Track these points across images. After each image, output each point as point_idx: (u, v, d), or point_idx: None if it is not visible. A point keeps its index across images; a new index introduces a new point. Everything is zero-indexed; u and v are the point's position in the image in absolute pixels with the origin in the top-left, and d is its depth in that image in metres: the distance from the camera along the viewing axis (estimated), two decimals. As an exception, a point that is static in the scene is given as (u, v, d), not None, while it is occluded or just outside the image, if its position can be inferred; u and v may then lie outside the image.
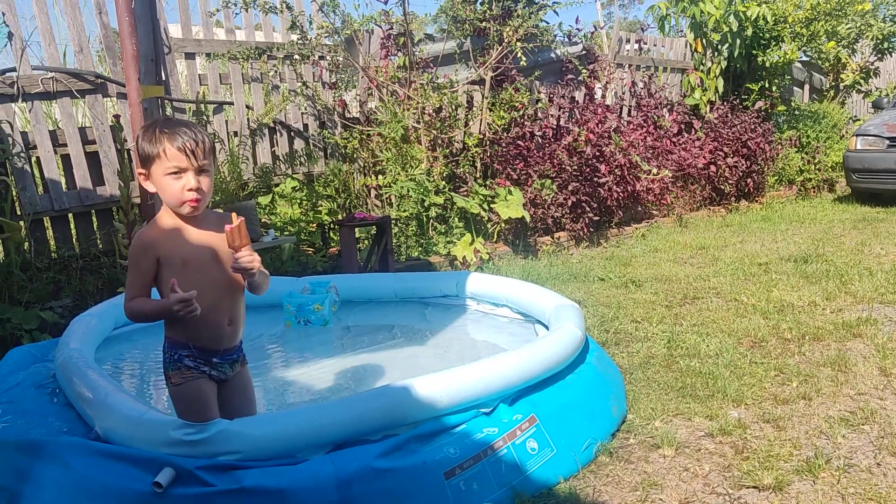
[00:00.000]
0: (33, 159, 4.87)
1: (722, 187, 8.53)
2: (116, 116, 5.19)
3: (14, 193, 4.64)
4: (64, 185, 5.01)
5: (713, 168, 8.30)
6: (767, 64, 9.39)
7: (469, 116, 6.88)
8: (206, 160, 2.05)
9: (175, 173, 2.01)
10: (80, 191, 4.98)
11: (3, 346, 3.49)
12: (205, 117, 5.64)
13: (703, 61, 9.44)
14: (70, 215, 5.00)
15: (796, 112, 10.29)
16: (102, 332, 3.34)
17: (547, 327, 3.32)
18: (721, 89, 9.28)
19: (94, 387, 2.42)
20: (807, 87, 11.65)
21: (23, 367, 2.96)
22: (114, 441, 2.22)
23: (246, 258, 2.04)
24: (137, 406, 2.30)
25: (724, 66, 9.26)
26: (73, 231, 5.05)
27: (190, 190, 2.03)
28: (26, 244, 4.51)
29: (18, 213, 4.66)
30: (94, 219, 5.13)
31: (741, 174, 8.58)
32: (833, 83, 11.81)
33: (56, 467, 2.12)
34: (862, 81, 11.71)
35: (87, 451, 2.14)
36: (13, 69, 4.72)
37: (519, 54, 6.34)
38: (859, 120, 11.75)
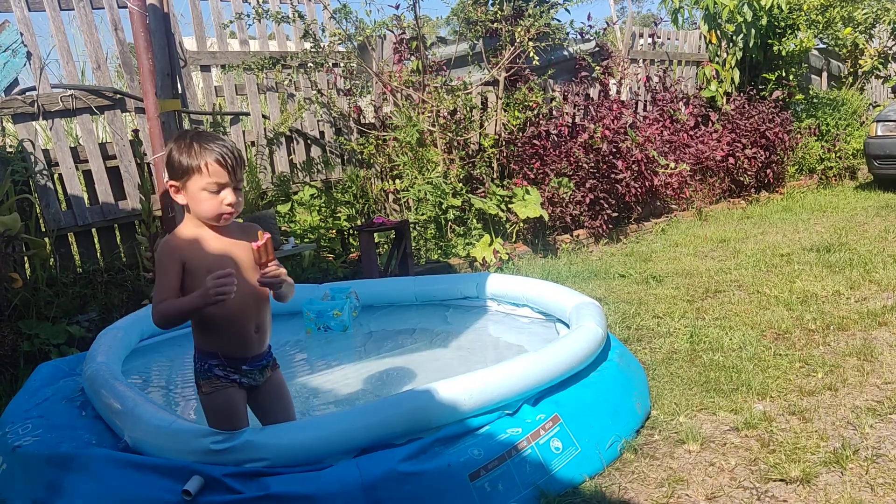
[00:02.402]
0: (56, 176, 4.96)
1: (741, 179, 8.46)
2: (135, 131, 5.26)
3: (38, 210, 4.72)
4: (86, 201, 5.09)
5: (732, 160, 8.23)
6: (784, 53, 9.29)
7: (484, 117, 6.89)
8: (241, 177, 2.09)
9: (213, 189, 2.03)
10: (102, 205, 5.05)
11: (32, 362, 3.56)
12: (222, 128, 5.70)
13: (718, 53, 9.37)
14: (94, 230, 5.08)
15: (815, 100, 10.17)
16: (129, 345, 3.39)
17: (568, 326, 3.32)
18: (737, 80, 9.21)
19: (123, 398, 2.46)
20: (824, 74, 11.52)
21: (52, 381, 3.02)
22: (143, 451, 2.26)
23: (273, 272, 2.06)
24: (166, 416, 2.33)
25: (739, 57, 9.19)
26: (97, 245, 5.13)
27: (228, 204, 2.06)
28: (51, 260, 4.58)
29: (43, 229, 4.74)
30: (117, 233, 5.21)
31: (760, 165, 8.50)
32: (851, 69, 11.66)
33: (87, 479, 2.16)
34: (880, 67, 11.56)
35: (117, 462, 2.18)
36: (33, 88, 4.80)
37: (531, 54, 6.34)
38: (879, 105, 11.60)
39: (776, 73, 9.38)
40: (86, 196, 5.13)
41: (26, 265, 4.57)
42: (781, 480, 2.40)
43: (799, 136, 9.22)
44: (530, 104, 6.80)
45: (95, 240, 5.12)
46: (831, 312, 4.11)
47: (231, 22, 5.84)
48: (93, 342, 3.17)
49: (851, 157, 9.81)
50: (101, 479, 2.14)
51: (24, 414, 2.65)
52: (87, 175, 5.12)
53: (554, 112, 7.31)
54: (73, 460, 2.21)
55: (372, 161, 6.44)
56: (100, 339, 3.19)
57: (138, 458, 2.20)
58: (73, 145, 5.11)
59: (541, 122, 6.93)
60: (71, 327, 4.04)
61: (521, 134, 6.77)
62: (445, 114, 6.35)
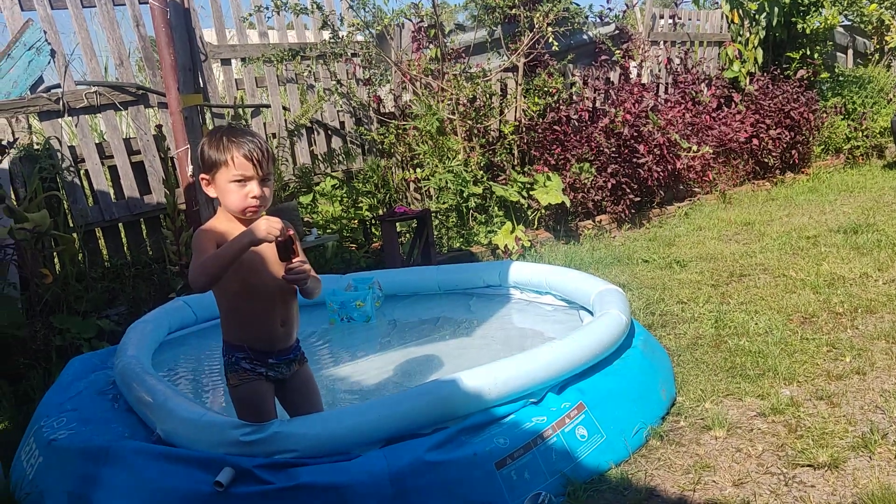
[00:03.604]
0: (82, 172, 5.03)
1: (766, 160, 8.35)
2: (159, 126, 5.31)
3: (66, 207, 4.80)
4: (112, 196, 5.15)
5: (756, 141, 8.13)
6: (808, 31, 9.12)
7: (503, 104, 6.86)
8: (269, 169, 2.13)
9: (240, 181, 2.09)
10: (128, 200, 5.12)
11: (65, 356, 3.63)
12: (243, 121, 5.73)
13: (741, 32, 9.22)
14: (120, 225, 5.15)
15: (840, 78, 9.98)
16: (157, 338, 3.44)
17: (592, 313, 3.31)
18: (760, 60, 9.06)
19: (154, 391, 2.51)
20: (850, 51, 11.30)
21: (84, 375, 3.07)
22: (175, 443, 2.30)
23: (298, 268, 2.09)
24: (196, 409, 2.38)
25: (762, 36, 9.03)
26: (124, 240, 5.20)
27: (254, 197, 2.10)
28: (80, 255, 4.66)
29: (71, 225, 4.82)
30: (143, 227, 5.28)
31: (785, 146, 8.38)
32: (877, 46, 11.41)
33: (121, 471, 2.21)
34: (908, 42, 11.30)
35: (151, 454, 2.22)
36: (58, 86, 4.86)
37: (550, 39, 6.30)
38: (907, 82, 11.35)
39: (800, 52, 9.22)
40: (112, 191, 5.20)
41: (56, 261, 4.65)
42: (809, 466, 2.40)
43: (824, 115, 9.07)
44: (550, 90, 6.76)
45: (122, 234, 5.20)
46: (859, 295, 4.06)
47: (250, 15, 5.87)
48: (123, 336, 3.23)
49: (879, 136, 9.62)
50: (134, 470, 2.19)
51: (59, 407, 2.71)
52: (113, 171, 5.19)
53: (574, 97, 7.26)
54: (107, 453, 2.26)
55: (392, 150, 6.45)
56: (129, 332, 3.25)
57: (171, 450, 2.25)
58: (98, 141, 5.18)
59: (561, 107, 6.89)
60: (101, 321, 4.11)
61: (541, 120, 6.74)
62: (465, 101, 6.33)
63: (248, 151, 2.08)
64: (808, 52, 9.29)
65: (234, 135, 2.11)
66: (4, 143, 4.32)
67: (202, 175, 2.17)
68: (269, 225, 2.00)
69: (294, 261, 2.09)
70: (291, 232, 2.08)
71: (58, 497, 2.30)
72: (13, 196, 4.50)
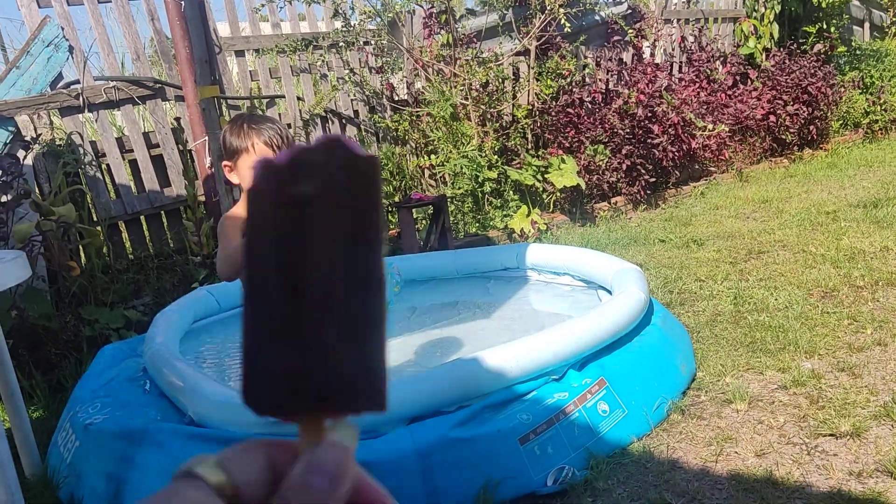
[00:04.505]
0: (103, 167, 5.10)
1: (783, 137, 8.29)
2: (177, 119, 5.38)
3: (89, 200, 4.88)
4: (134, 189, 5.23)
5: (772, 118, 8.06)
6: (823, 4, 9.02)
7: (516, 88, 6.86)
8: None
9: None
10: (148, 193, 5.20)
11: (94, 346, 3.71)
12: (259, 112, 5.79)
13: (756, 7, 9.14)
14: (142, 217, 5.23)
15: (857, 52, 9.88)
16: (183, 327, 3.51)
17: (610, 292, 3.34)
18: (776, 35, 8.97)
19: (184, 376, 2.57)
20: (867, 24, 11.16)
21: (115, 363, 3.15)
22: (207, 425, 2.37)
23: None
24: (227, 390, 2.44)
25: (778, 11, 8.95)
26: (146, 232, 5.28)
27: None
28: (105, 248, 4.74)
29: (95, 219, 4.90)
30: (164, 219, 5.35)
31: (803, 122, 8.31)
32: (894, 19, 11.27)
33: (157, 452, 2.28)
34: (926, 14, 11.15)
35: (185, 435, 2.29)
36: (76, 81, 4.93)
37: (562, 21, 6.28)
38: (926, 54, 11.20)
39: (817, 26, 9.12)
40: (133, 185, 5.28)
41: (82, 254, 4.74)
42: (831, 435, 2.42)
43: (842, 89, 8.97)
44: (563, 72, 6.75)
45: (144, 227, 5.28)
46: (879, 268, 4.06)
47: (262, 6, 5.91)
48: (150, 325, 3.30)
49: (897, 110, 9.53)
50: (170, 451, 2.26)
51: (92, 394, 2.78)
52: (133, 164, 5.27)
53: (587, 79, 7.24)
54: (143, 435, 2.33)
55: (406, 138, 6.47)
56: (156, 321, 3.32)
57: (204, 430, 2.31)
58: (117, 136, 5.25)
59: (574, 89, 6.88)
60: (128, 311, 4.19)
61: (554, 103, 6.73)
62: (478, 86, 6.34)
63: (269, 138, 2.13)
64: (825, 26, 9.20)
65: (255, 122, 2.17)
66: (28, 139, 4.39)
67: (224, 162, 2.22)
68: None
69: None
70: None
71: (95, 479, 2.37)
72: (38, 191, 4.59)
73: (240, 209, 2.25)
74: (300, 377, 0.32)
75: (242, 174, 2.18)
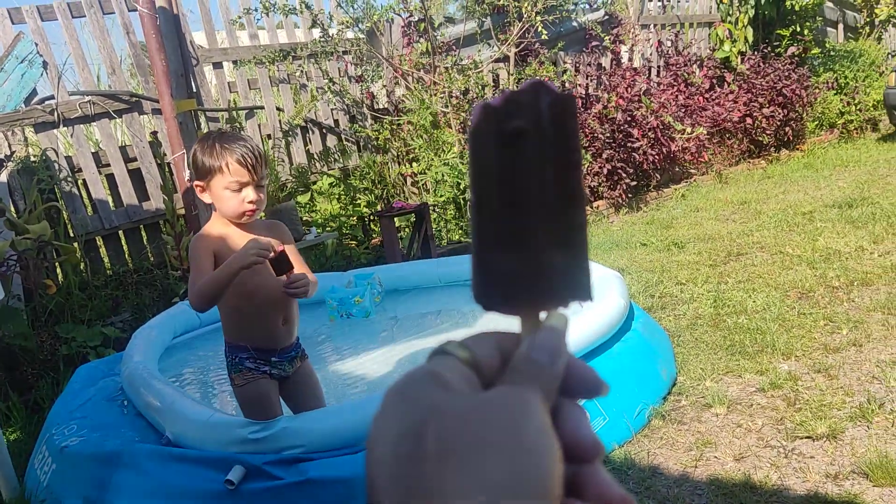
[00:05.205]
0: (80, 182, 5.06)
1: (760, 139, 8.37)
2: (154, 133, 5.35)
3: (66, 217, 4.84)
4: (111, 204, 5.19)
5: (749, 120, 8.15)
6: (797, 7, 9.13)
7: (496, 95, 6.88)
8: (263, 173, 2.14)
9: (236, 187, 2.10)
10: (127, 208, 5.16)
11: (71, 365, 3.67)
12: (238, 124, 5.76)
13: (730, 12, 9.22)
14: (120, 232, 5.19)
15: (831, 53, 9.99)
16: (163, 343, 3.49)
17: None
18: (751, 39, 9.06)
19: (162, 395, 2.55)
20: (840, 26, 11.30)
21: (92, 382, 3.12)
22: (185, 445, 2.35)
23: (297, 284, 2.09)
24: (204, 410, 2.42)
25: (752, 15, 9.03)
26: (125, 247, 5.24)
27: (250, 202, 2.11)
28: (82, 264, 4.70)
29: (72, 235, 4.85)
30: (143, 233, 5.31)
31: (779, 123, 8.40)
32: (867, 19, 11.42)
33: (134, 474, 2.26)
34: (898, 14, 11.30)
35: (162, 456, 2.27)
36: (51, 97, 4.89)
37: (540, 28, 6.32)
38: (899, 54, 11.35)
39: (790, 29, 9.23)
40: (110, 199, 5.24)
41: (58, 271, 4.69)
42: (808, 437, 2.44)
43: (817, 91, 9.08)
44: (542, 79, 6.78)
45: (123, 242, 5.24)
46: (854, 268, 4.10)
47: (240, 17, 5.89)
48: (128, 342, 3.27)
49: (872, 109, 9.64)
50: (147, 473, 2.24)
51: (69, 415, 2.76)
52: (111, 179, 5.23)
53: (566, 84, 7.28)
54: (119, 457, 2.30)
55: (388, 146, 6.48)
56: (135, 338, 3.29)
57: (182, 451, 2.29)
58: (94, 150, 5.21)
59: (553, 95, 6.90)
60: (106, 329, 4.15)
61: (534, 109, 6.75)
62: (458, 94, 6.36)
63: (242, 157, 2.08)
64: (798, 29, 9.30)
65: (227, 141, 2.11)
66: (2, 156, 4.35)
67: (196, 182, 2.17)
68: (257, 247, 1.99)
69: (290, 274, 2.08)
70: (282, 248, 2.07)
71: (73, 502, 2.34)
72: (13, 209, 4.54)
73: (211, 228, 2.21)
74: (521, 276, 0.38)
75: (216, 194, 2.13)
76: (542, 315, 0.39)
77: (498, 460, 0.30)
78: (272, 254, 2.02)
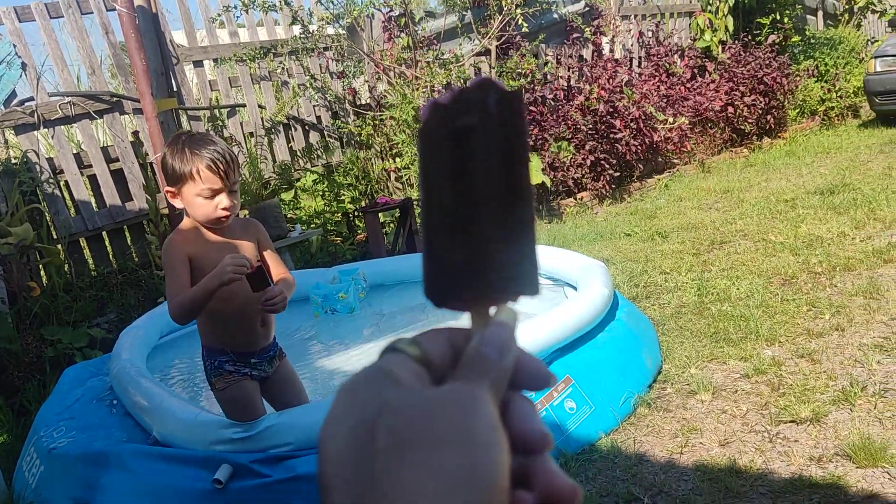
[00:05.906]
0: (62, 183, 5.02)
1: (742, 127, 8.43)
2: (135, 133, 5.31)
3: (48, 218, 4.80)
4: (94, 205, 5.15)
5: (731, 109, 8.20)
6: (776, -5, 9.20)
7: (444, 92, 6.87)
8: (235, 177, 2.07)
9: (208, 195, 2.03)
10: (110, 208, 5.12)
11: (58, 367, 3.66)
12: (220, 122, 5.74)
13: (710, 1, 9.27)
14: (104, 233, 5.16)
15: (811, 41, 10.07)
16: (150, 342, 3.47)
17: (575, 289, 3.37)
18: (731, 28, 9.12)
19: (150, 395, 2.55)
20: (820, 13, 11.39)
21: (80, 383, 3.11)
22: (172, 444, 2.35)
23: (275, 300, 2.04)
24: (191, 409, 2.42)
25: (732, 4, 9.09)
26: (109, 248, 5.21)
27: (223, 209, 2.05)
28: (66, 266, 4.67)
29: (55, 236, 4.82)
30: (127, 234, 5.28)
31: (760, 112, 8.46)
32: (847, 6, 11.51)
33: (122, 474, 2.26)
34: (876, 1, 11.39)
35: (150, 456, 2.27)
36: (31, 98, 4.85)
37: (520, 21, 6.32)
38: (877, 41, 11.45)
39: (770, 17, 9.29)
40: (93, 200, 5.20)
41: (42, 273, 4.66)
42: (792, 422, 2.47)
43: (798, 78, 9.15)
44: (524, 71, 6.79)
45: (107, 242, 5.20)
46: (837, 254, 4.15)
47: (220, 15, 5.86)
48: (115, 342, 3.26)
49: (853, 96, 9.73)
50: (135, 473, 2.23)
51: (57, 417, 2.75)
52: (93, 179, 5.19)
53: (548, 77, 7.30)
54: (107, 457, 2.30)
55: (370, 142, 6.47)
56: (122, 338, 3.28)
57: (169, 450, 2.29)
58: (75, 151, 5.17)
59: (535, 87, 6.93)
60: (91, 330, 4.13)
61: (517, 101, 6.76)
62: (440, 88, 6.35)
63: (213, 162, 2.00)
64: (778, 17, 9.37)
65: (196, 145, 2.02)
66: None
67: (167, 188, 2.09)
68: (234, 263, 1.94)
69: (266, 291, 2.03)
70: (259, 263, 2.04)
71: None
72: (-6, 212, 4.50)
73: (185, 232, 2.13)
74: (469, 271, 0.39)
75: (188, 200, 2.05)
76: (492, 310, 0.40)
77: (448, 454, 0.31)
78: (250, 269, 1.98)
